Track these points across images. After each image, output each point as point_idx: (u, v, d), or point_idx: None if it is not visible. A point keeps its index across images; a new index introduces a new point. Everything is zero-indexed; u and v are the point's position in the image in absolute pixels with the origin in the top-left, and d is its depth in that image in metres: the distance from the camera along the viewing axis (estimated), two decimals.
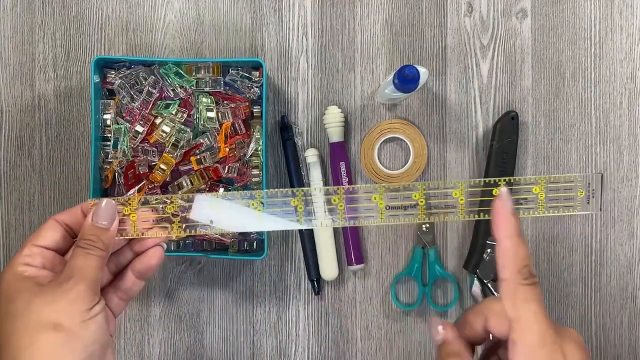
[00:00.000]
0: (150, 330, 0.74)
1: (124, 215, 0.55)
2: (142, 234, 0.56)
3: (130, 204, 0.56)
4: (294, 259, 0.74)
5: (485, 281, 0.72)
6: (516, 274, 0.49)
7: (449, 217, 0.58)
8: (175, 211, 0.57)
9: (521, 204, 0.57)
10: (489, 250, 0.72)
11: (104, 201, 0.54)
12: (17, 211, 0.73)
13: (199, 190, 0.69)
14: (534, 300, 0.48)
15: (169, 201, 0.57)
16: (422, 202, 0.57)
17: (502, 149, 0.71)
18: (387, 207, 0.58)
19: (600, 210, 0.59)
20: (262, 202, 0.57)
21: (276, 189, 0.57)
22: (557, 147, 0.74)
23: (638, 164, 0.73)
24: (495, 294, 0.72)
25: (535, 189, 0.57)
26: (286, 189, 0.57)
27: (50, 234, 0.53)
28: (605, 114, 0.74)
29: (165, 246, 0.57)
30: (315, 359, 0.74)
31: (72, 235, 0.54)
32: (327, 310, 0.74)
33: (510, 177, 0.57)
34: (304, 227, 0.57)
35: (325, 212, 0.58)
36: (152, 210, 0.56)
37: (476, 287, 0.73)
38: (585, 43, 0.74)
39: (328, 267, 0.72)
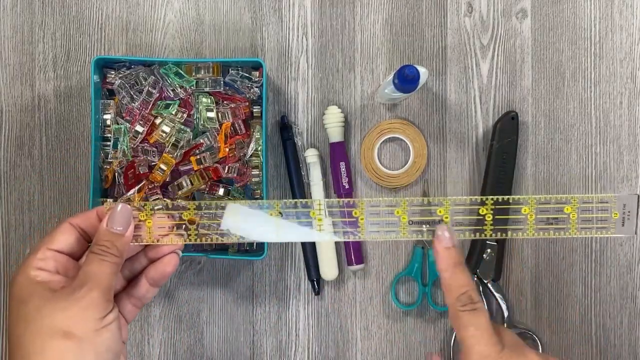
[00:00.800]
0: (150, 330, 0.74)
1: (140, 220, 0.55)
2: (158, 240, 0.55)
3: (146, 209, 0.55)
4: (294, 259, 0.74)
5: (485, 281, 0.72)
6: (455, 301, 0.53)
7: (475, 235, 0.56)
8: (192, 218, 0.56)
9: (551, 223, 0.55)
10: (488, 250, 0.72)
11: (120, 206, 0.53)
12: (17, 211, 0.73)
13: (199, 190, 0.69)
14: (472, 324, 0.51)
15: (187, 207, 0.56)
16: (447, 218, 0.56)
17: (502, 149, 0.71)
18: (410, 222, 0.56)
19: (636, 234, 0.56)
20: (280, 212, 0.56)
21: (305, 200, 0.56)
22: (557, 147, 0.74)
23: (638, 164, 0.73)
24: (496, 294, 0.72)
25: (567, 209, 0.55)
26: (307, 200, 0.56)
27: (64, 238, 0.52)
28: (605, 114, 0.74)
29: (180, 253, 0.56)
30: (315, 359, 0.74)
31: (86, 240, 0.54)
32: (327, 310, 0.74)
33: (542, 196, 0.55)
34: (326, 238, 0.57)
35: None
36: (169, 217, 0.55)
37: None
38: (585, 43, 0.74)
39: (328, 267, 0.72)
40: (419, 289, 0.73)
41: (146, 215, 0.55)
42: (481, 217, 0.56)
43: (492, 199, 0.55)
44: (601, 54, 0.74)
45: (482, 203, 0.55)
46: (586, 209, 0.55)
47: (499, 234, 0.56)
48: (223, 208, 0.56)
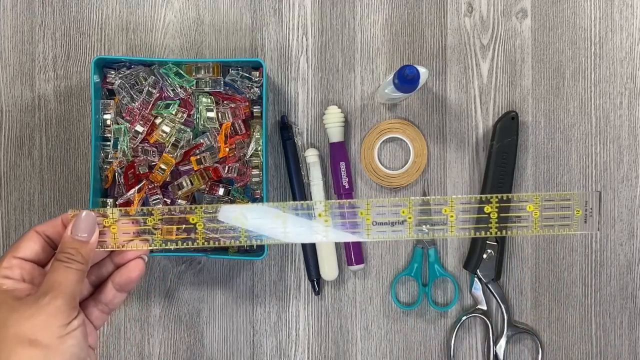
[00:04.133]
0: (150, 330, 0.74)
1: (104, 227, 0.55)
2: (123, 246, 0.55)
3: (112, 215, 0.55)
4: (294, 259, 0.74)
5: (485, 281, 0.72)
6: None
7: (438, 234, 0.57)
8: (156, 224, 0.56)
9: (514, 222, 0.56)
10: (489, 251, 0.72)
11: (84, 213, 0.53)
12: (17, 211, 0.73)
13: (199, 190, 0.69)
14: None
15: (150, 213, 0.56)
16: (410, 218, 0.56)
17: (502, 149, 0.71)
18: (375, 223, 0.56)
19: (599, 230, 0.56)
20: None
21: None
22: (557, 147, 0.74)
23: (638, 164, 0.73)
24: (496, 294, 0.72)
25: (530, 207, 0.56)
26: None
27: (30, 245, 0.52)
28: (605, 114, 0.74)
29: (146, 259, 0.56)
30: (315, 359, 0.74)
31: (52, 247, 0.54)
32: (327, 310, 0.74)
33: (504, 194, 0.56)
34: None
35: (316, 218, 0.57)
36: (133, 223, 0.56)
37: (476, 287, 0.73)
38: (585, 43, 0.74)
39: (328, 267, 0.72)
40: (419, 289, 0.73)
41: (110, 221, 0.55)
42: (444, 217, 0.56)
43: (452, 198, 0.56)
44: (601, 54, 0.74)
45: (444, 203, 0.56)
46: (549, 207, 0.55)
47: (463, 232, 0.57)
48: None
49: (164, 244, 0.56)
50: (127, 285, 0.55)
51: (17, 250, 0.52)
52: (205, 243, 0.57)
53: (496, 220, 0.56)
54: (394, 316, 0.74)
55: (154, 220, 0.56)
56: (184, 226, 0.57)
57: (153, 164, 0.68)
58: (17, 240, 0.53)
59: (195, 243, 0.57)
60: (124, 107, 0.69)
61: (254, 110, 0.70)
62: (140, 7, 0.74)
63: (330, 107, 0.73)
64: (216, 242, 0.57)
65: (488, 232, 0.56)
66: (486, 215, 0.56)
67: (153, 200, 0.67)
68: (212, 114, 0.68)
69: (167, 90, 0.68)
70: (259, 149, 0.69)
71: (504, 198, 0.56)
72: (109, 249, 0.55)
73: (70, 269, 0.51)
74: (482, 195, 0.56)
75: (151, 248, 0.56)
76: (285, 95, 0.74)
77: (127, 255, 0.55)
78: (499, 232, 0.56)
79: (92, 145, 0.67)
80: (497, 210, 0.56)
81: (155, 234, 0.56)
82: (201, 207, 0.56)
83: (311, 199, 0.73)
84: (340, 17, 0.74)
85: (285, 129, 0.73)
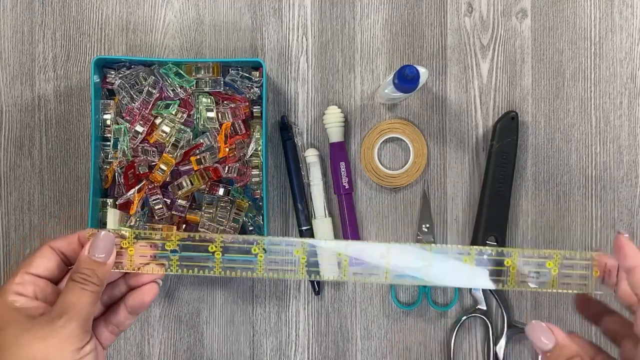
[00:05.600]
0: (150, 330, 0.74)
1: (122, 248, 0.54)
2: (139, 268, 0.54)
3: (129, 237, 0.54)
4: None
5: None
6: None
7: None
8: (175, 248, 0.55)
9: (532, 277, 0.56)
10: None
11: (102, 233, 0.52)
12: (17, 211, 0.73)
13: (199, 191, 0.69)
14: None
15: (169, 238, 0.55)
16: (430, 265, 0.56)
17: (502, 149, 0.71)
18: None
19: (615, 292, 0.56)
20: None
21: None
22: (557, 147, 0.74)
23: (638, 164, 0.73)
24: (495, 294, 0.72)
25: (549, 264, 0.55)
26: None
27: (44, 262, 0.51)
28: (605, 114, 0.74)
29: (160, 283, 0.55)
30: (315, 359, 0.74)
31: (67, 264, 0.53)
32: (327, 310, 0.74)
33: (526, 249, 0.55)
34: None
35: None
36: (151, 246, 0.55)
37: (476, 288, 0.73)
38: (585, 43, 0.74)
39: (328, 267, 0.72)
40: (419, 289, 0.73)
41: (128, 242, 0.54)
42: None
43: (474, 248, 0.55)
44: (601, 54, 0.74)
45: (466, 252, 0.56)
46: (568, 265, 0.55)
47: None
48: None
49: (180, 270, 0.55)
50: (140, 309, 0.54)
51: (30, 266, 0.51)
52: (222, 273, 0.56)
53: (515, 274, 0.56)
54: (394, 316, 0.74)
55: (172, 245, 0.55)
56: (200, 253, 0.56)
57: (153, 164, 0.68)
58: (31, 255, 0.52)
59: (212, 272, 0.56)
60: (124, 107, 0.69)
61: (254, 110, 0.70)
62: (140, 7, 0.74)
63: (330, 107, 0.73)
64: (232, 273, 0.56)
65: (505, 286, 0.56)
66: (505, 268, 0.56)
67: (153, 200, 0.67)
68: (212, 114, 0.68)
69: (167, 90, 0.68)
70: (259, 149, 0.69)
71: (525, 253, 0.55)
72: (124, 271, 0.54)
73: (86, 291, 0.49)
74: (504, 248, 0.56)
75: (167, 273, 0.55)
76: (285, 95, 0.74)
77: (142, 278, 0.54)
78: (516, 287, 0.56)
79: (92, 145, 0.67)
80: (516, 264, 0.56)
81: (172, 260, 0.55)
82: (221, 236, 0.55)
83: (311, 199, 0.73)
84: (340, 17, 0.74)
85: (285, 129, 0.73)
